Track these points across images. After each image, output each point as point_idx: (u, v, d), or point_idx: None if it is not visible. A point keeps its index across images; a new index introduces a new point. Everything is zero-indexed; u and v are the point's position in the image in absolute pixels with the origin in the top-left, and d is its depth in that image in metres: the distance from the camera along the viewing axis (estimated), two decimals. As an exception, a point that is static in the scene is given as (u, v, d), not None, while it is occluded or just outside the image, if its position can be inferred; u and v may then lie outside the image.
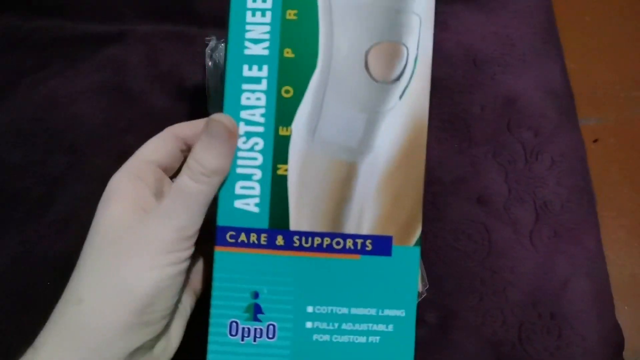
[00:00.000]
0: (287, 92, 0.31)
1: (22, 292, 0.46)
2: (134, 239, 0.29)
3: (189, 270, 0.32)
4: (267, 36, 0.31)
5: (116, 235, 0.29)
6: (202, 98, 0.54)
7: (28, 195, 0.50)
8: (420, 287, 0.44)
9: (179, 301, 0.31)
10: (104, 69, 0.55)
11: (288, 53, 0.31)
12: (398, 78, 0.31)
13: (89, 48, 0.56)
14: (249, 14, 0.31)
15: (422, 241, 0.48)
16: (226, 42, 0.31)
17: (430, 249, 0.48)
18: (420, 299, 0.44)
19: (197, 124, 0.33)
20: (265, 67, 0.31)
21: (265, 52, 0.31)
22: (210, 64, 0.54)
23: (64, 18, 0.58)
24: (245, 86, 0.31)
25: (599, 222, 0.52)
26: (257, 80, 0.31)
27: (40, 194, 0.50)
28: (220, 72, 0.53)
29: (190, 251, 0.30)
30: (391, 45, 0.31)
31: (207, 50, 0.54)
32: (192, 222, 0.29)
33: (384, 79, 0.31)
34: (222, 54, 0.54)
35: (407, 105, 0.31)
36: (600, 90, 1.02)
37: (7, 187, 0.50)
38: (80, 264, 0.30)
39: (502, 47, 0.56)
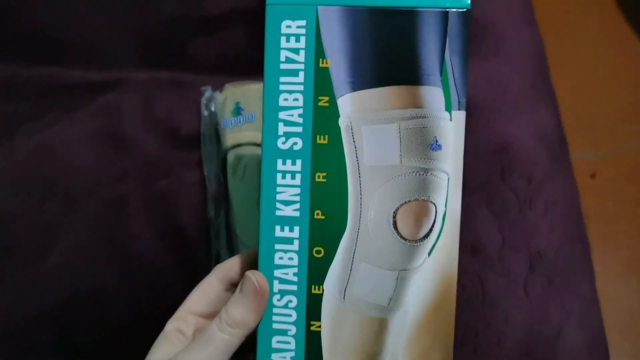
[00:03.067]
0: (318, 252, 0.32)
1: (17, 344, 0.46)
2: None
3: None
4: (297, 198, 0.32)
5: None
6: (196, 145, 0.55)
7: (23, 244, 0.50)
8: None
9: None
10: (99, 116, 0.56)
11: (318, 215, 0.32)
12: (427, 236, 0.31)
13: (86, 95, 0.57)
14: (279, 176, 0.32)
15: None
16: (259, 203, 0.32)
17: (424, 300, 0.48)
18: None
19: (243, 262, 0.34)
20: (296, 229, 0.32)
21: (297, 214, 0.32)
22: (205, 113, 0.54)
23: (62, 66, 0.59)
24: (278, 246, 0.32)
25: (593, 270, 0.52)
26: (289, 240, 0.32)
27: (35, 243, 0.50)
28: (214, 122, 0.54)
29: None
30: (419, 204, 0.31)
31: (203, 100, 0.55)
32: None
33: (412, 237, 0.31)
34: (217, 103, 0.55)
35: (436, 261, 0.32)
36: (596, 124, 1.02)
37: (2, 236, 0.50)
38: None
39: (494, 93, 0.56)
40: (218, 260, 0.48)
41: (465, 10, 0.31)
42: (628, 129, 1.02)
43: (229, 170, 0.51)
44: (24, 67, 0.59)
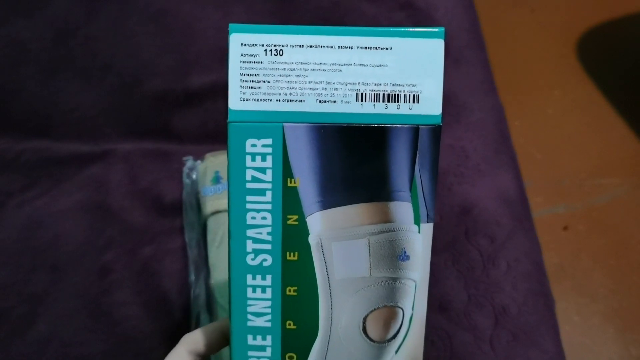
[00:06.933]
0: (291, 357, 0.33)
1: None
2: None
3: None
4: (268, 310, 0.32)
5: None
6: (178, 212, 0.58)
7: (11, 313, 0.52)
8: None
9: None
10: (86, 187, 0.59)
11: (290, 325, 0.33)
12: (394, 337, 0.33)
13: (74, 167, 0.60)
14: (249, 290, 0.32)
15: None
16: (230, 318, 0.33)
17: (395, 357, 0.50)
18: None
19: (211, 334, 0.35)
20: (268, 337, 0.33)
21: (268, 324, 0.33)
22: (187, 181, 0.58)
23: (52, 139, 0.63)
24: (251, 353, 0.33)
25: (557, 324, 0.54)
26: (261, 348, 0.33)
27: (23, 313, 0.52)
28: (195, 190, 0.57)
29: None
30: (388, 310, 0.32)
31: (185, 169, 0.58)
32: None
33: (380, 339, 0.33)
34: (198, 172, 0.58)
35: (403, 357, 0.33)
36: (566, 179, 1.07)
37: (-9, 305, 0.53)
38: None
39: (457, 158, 0.60)
40: (198, 321, 0.51)
41: (436, 126, 0.31)
42: (597, 182, 1.06)
43: (209, 236, 0.54)
44: (16, 141, 0.62)
